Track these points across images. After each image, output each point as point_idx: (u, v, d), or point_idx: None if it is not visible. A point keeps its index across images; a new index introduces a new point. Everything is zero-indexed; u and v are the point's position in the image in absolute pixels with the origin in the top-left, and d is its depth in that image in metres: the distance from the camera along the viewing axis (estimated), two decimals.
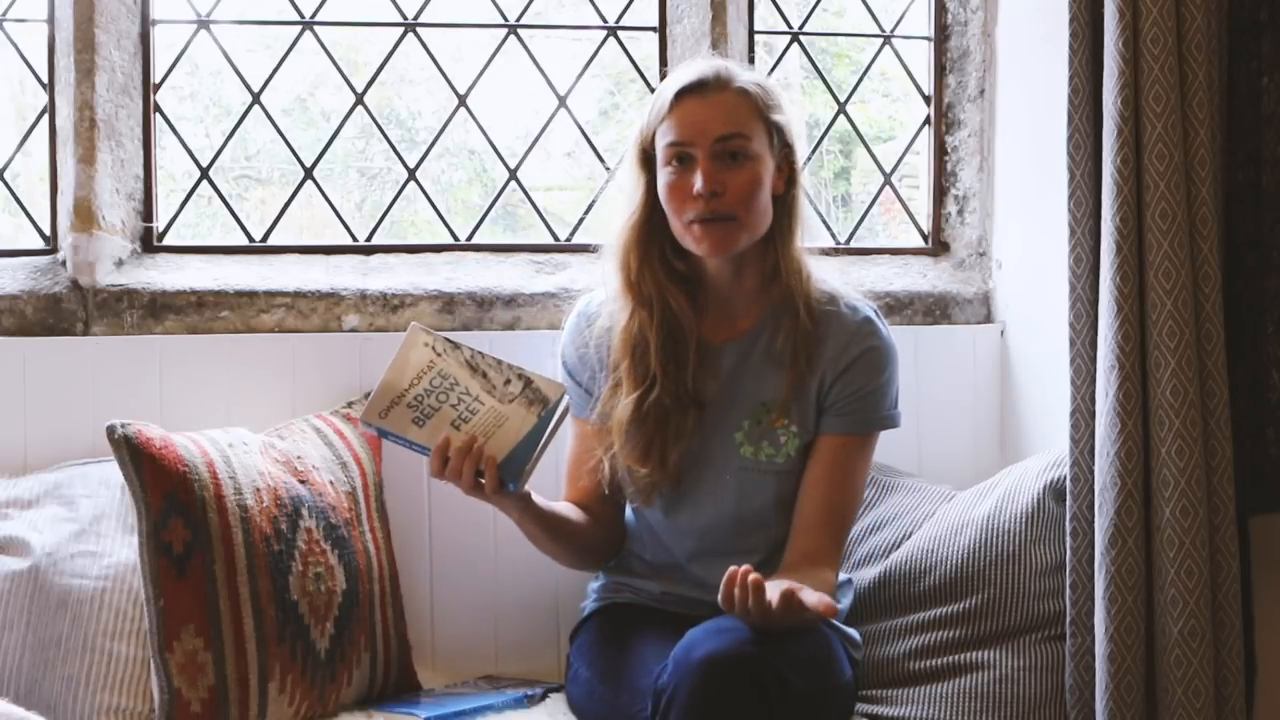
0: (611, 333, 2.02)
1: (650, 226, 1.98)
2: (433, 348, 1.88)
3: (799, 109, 2.04)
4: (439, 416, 1.86)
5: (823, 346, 1.97)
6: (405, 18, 2.50)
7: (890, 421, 2.01)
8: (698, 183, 1.89)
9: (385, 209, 2.50)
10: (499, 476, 1.83)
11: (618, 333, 2.00)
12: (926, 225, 2.70)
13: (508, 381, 1.87)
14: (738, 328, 2.01)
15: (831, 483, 1.96)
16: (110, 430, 1.87)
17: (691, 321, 1.98)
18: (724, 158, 1.91)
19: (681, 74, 1.96)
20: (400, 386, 1.87)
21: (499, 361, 1.88)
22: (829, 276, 2.04)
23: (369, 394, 2.28)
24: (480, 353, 1.89)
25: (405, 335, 1.90)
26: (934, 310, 2.57)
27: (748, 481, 1.98)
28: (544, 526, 1.95)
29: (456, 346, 1.89)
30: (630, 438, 1.96)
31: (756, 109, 1.94)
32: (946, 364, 2.51)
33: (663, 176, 1.95)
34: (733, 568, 1.69)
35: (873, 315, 2.01)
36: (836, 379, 1.96)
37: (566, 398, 1.89)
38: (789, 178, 1.99)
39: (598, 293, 2.08)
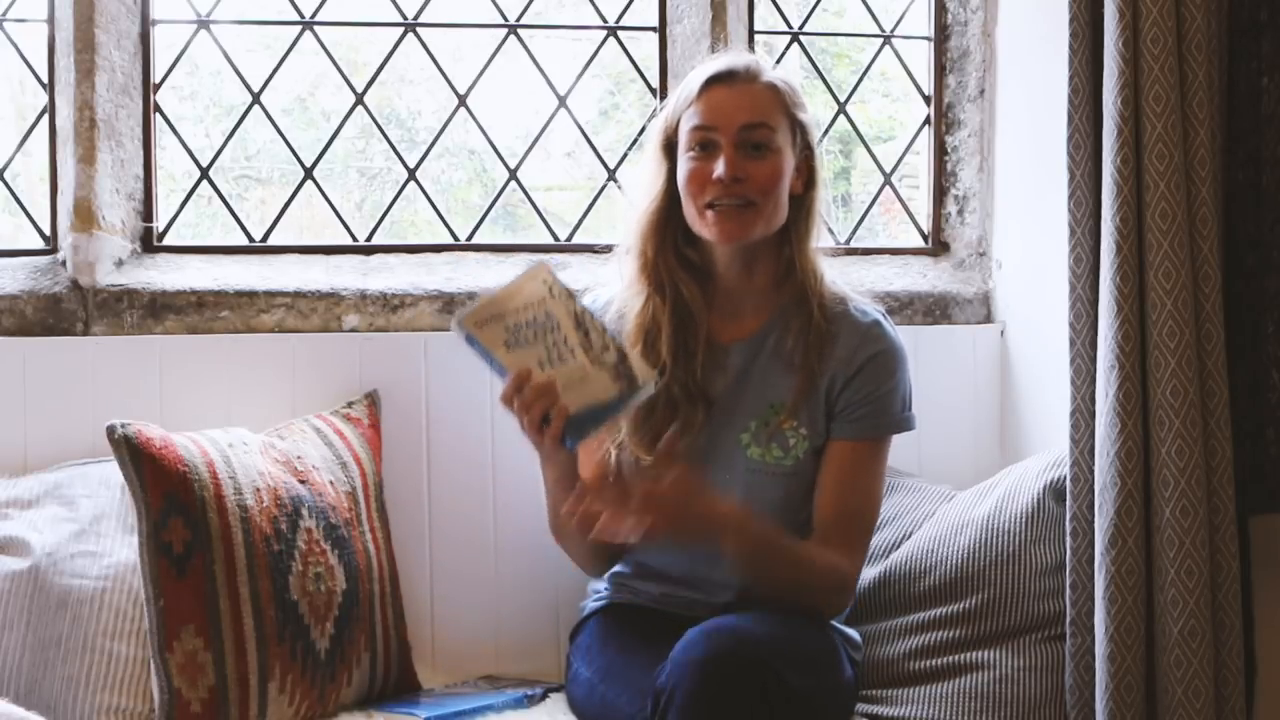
0: (623, 321, 2.01)
1: (668, 215, 1.98)
2: (550, 288, 1.84)
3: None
4: (529, 349, 1.82)
5: (832, 349, 1.96)
6: (405, 18, 2.50)
7: (903, 424, 2.00)
8: (719, 168, 1.90)
9: (385, 209, 2.50)
10: (563, 429, 1.80)
11: (630, 319, 2.00)
12: (926, 225, 2.70)
13: (606, 348, 1.83)
14: (746, 327, 2.01)
15: (844, 488, 1.95)
16: (110, 430, 1.87)
17: (702, 311, 1.98)
18: (747, 147, 1.91)
19: (711, 64, 1.97)
20: (505, 308, 1.83)
21: (605, 329, 1.84)
22: (836, 278, 2.04)
23: (361, 395, 2.28)
24: (591, 313, 1.86)
25: (529, 267, 1.86)
26: (934, 310, 2.57)
27: (755, 483, 1.97)
28: None
29: (571, 296, 1.84)
30: (638, 427, 1.95)
31: (783, 104, 1.95)
32: (946, 364, 2.51)
33: (684, 162, 1.95)
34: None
35: (881, 318, 2.01)
36: (846, 384, 1.96)
37: (654, 385, 1.86)
38: (808, 179, 1.99)
39: (603, 289, 2.08)
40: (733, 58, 1.98)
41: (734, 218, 1.91)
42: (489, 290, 1.84)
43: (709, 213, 1.92)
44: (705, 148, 1.92)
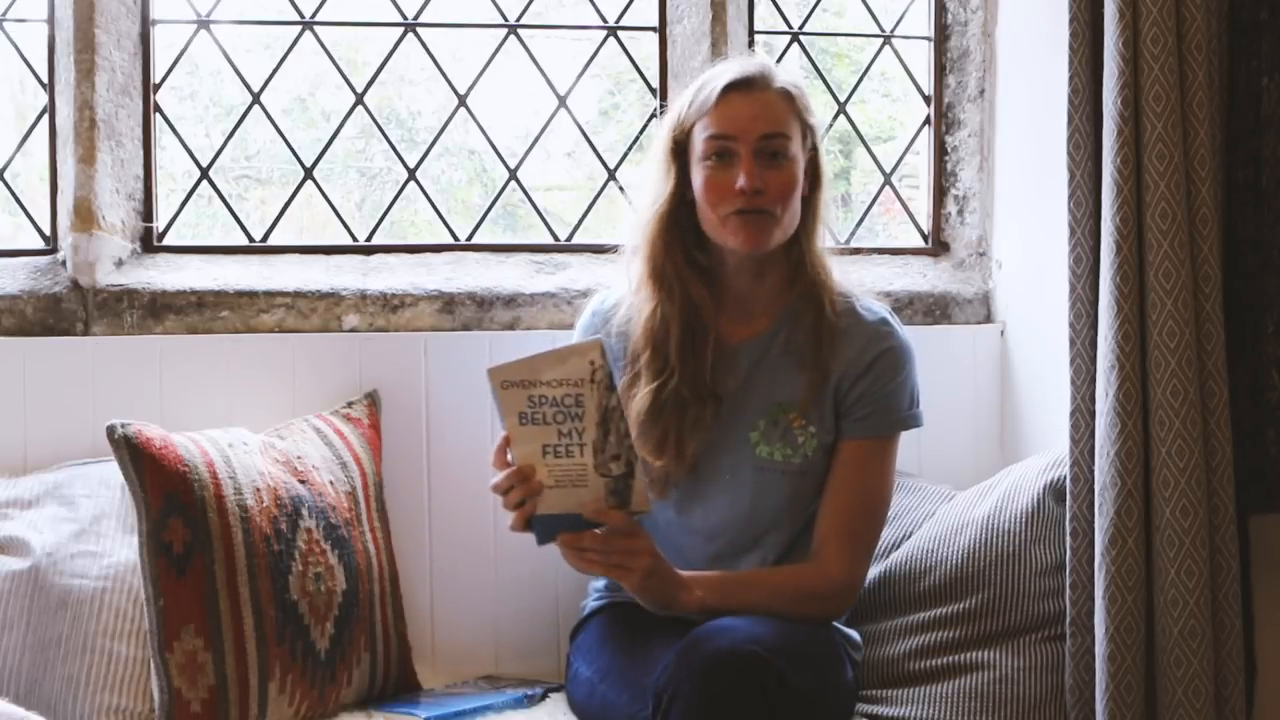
0: (631, 324, 2.01)
1: (677, 218, 1.98)
2: (594, 372, 1.72)
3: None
4: (540, 429, 1.72)
5: (840, 348, 1.97)
6: (405, 18, 2.50)
7: (910, 421, 2.01)
8: (741, 179, 1.90)
9: (385, 209, 2.50)
10: (530, 524, 1.77)
11: (639, 323, 2.00)
12: (926, 225, 2.70)
13: (616, 458, 1.74)
14: (754, 328, 2.02)
15: (851, 486, 1.96)
16: (110, 430, 1.87)
17: (711, 313, 1.98)
18: (765, 156, 1.91)
19: (726, 69, 1.96)
20: (540, 376, 1.72)
21: (627, 437, 1.73)
22: (841, 277, 2.04)
23: (361, 395, 2.28)
24: (621, 411, 1.73)
25: (583, 340, 1.79)
26: (934, 310, 2.57)
27: (764, 481, 1.97)
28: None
29: (611, 389, 1.72)
30: (647, 429, 1.95)
31: (795, 110, 1.95)
32: (946, 364, 2.51)
33: (701, 170, 1.94)
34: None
35: (889, 316, 2.02)
36: (855, 382, 1.97)
37: (645, 516, 1.79)
38: (815, 180, 1.99)
39: (610, 292, 2.08)
40: (748, 63, 1.97)
41: (755, 225, 1.92)
42: (535, 353, 1.73)
43: (731, 222, 1.92)
44: (722, 156, 1.92)
